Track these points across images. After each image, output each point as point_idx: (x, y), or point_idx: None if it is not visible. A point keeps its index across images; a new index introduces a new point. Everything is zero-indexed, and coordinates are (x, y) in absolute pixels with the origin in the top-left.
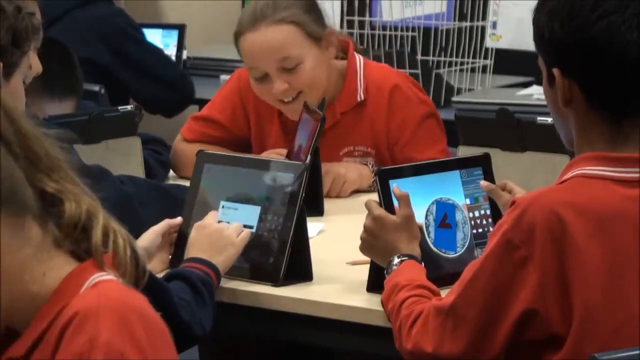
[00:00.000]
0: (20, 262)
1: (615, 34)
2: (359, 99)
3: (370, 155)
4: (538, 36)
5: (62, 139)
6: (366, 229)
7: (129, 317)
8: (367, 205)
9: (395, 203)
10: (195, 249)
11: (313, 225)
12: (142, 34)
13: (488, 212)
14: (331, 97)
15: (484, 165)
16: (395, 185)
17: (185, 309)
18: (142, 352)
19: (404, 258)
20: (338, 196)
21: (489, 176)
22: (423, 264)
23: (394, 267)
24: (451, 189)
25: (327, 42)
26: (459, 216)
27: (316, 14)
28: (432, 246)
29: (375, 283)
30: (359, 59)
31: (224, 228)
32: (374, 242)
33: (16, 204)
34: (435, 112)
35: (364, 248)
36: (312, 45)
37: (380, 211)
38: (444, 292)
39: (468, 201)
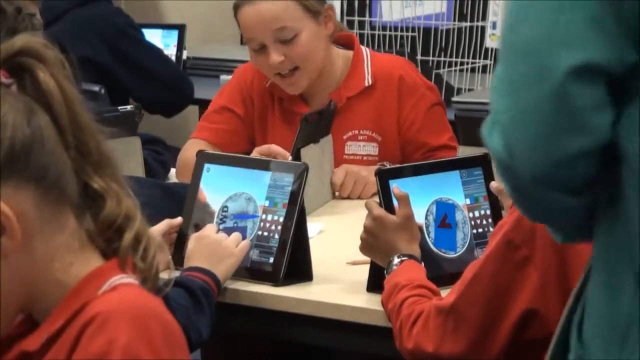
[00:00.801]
0: (52, 248)
1: None
2: (366, 84)
3: (375, 141)
4: None
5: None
6: (366, 229)
7: (148, 322)
8: (367, 206)
9: (396, 203)
10: (194, 259)
11: (313, 225)
12: (142, 34)
13: (488, 212)
14: (337, 82)
15: (484, 165)
16: (395, 186)
17: (181, 313)
18: (159, 357)
19: (404, 258)
20: (359, 198)
21: (488, 176)
22: (423, 263)
23: (394, 267)
24: (451, 189)
25: (325, 17)
26: (459, 216)
27: None
28: (432, 246)
29: (375, 283)
30: (366, 50)
31: (223, 238)
32: (374, 242)
33: (58, 191)
34: (441, 100)
35: (364, 248)
36: (310, 19)
37: (380, 211)
38: (444, 292)
39: (468, 201)
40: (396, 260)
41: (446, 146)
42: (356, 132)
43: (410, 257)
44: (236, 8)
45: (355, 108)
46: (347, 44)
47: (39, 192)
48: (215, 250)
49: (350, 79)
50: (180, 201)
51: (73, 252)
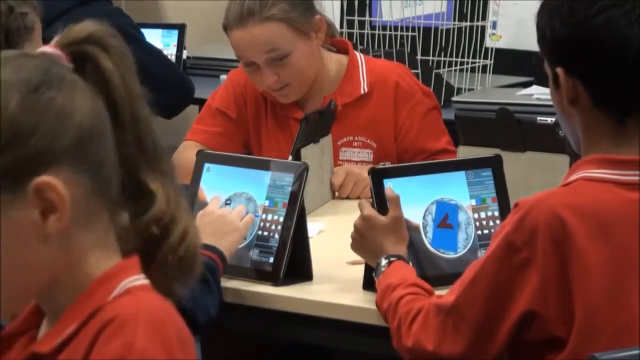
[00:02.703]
0: (86, 242)
1: (615, 28)
2: (362, 92)
3: (370, 147)
4: (541, 36)
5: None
6: (356, 228)
7: (164, 326)
8: (359, 205)
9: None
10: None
11: (313, 225)
12: (141, 34)
13: (496, 213)
14: (331, 86)
15: (495, 166)
16: (389, 186)
17: (186, 297)
18: None
19: (392, 259)
20: (358, 198)
21: (499, 177)
22: (417, 264)
23: (383, 269)
24: (455, 189)
25: (315, 29)
26: (462, 217)
27: (303, 5)
28: (429, 246)
29: (371, 280)
30: (360, 56)
31: (227, 213)
32: (362, 242)
33: (106, 186)
34: (437, 104)
35: (354, 247)
36: (301, 37)
37: (370, 211)
38: (443, 292)
39: (474, 202)
40: (384, 262)
41: (445, 150)
42: (351, 138)
43: (398, 257)
44: (226, 28)
45: (350, 115)
46: (341, 49)
47: (91, 184)
48: (219, 225)
49: (345, 85)
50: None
51: (101, 249)
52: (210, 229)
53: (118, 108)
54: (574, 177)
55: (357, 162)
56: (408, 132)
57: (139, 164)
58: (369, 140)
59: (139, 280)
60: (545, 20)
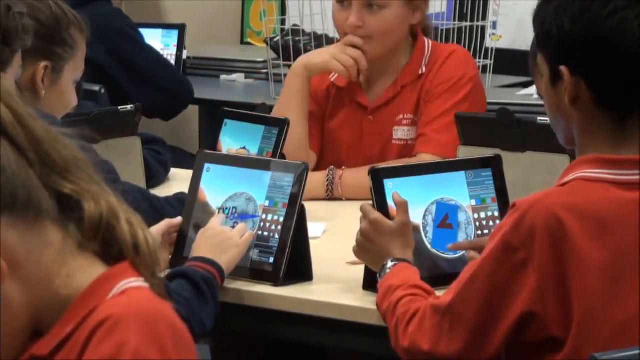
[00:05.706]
0: (44, 267)
1: (628, 29)
2: (420, 72)
3: (415, 124)
4: (544, 33)
5: (81, 136)
6: (363, 233)
7: (158, 326)
8: (363, 209)
9: (390, 202)
10: (198, 250)
11: (318, 225)
12: (140, 35)
13: (496, 213)
14: (398, 71)
15: (494, 166)
16: (396, 192)
17: (183, 306)
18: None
19: (397, 262)
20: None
21: (498, 178)
22: (417, 264)
23: (388, 271)
24: (455, 189)
25: (417, 6)
26: (462, 217)
27: None
28: (429, 246)
29: (371, 280)
30: (428, 41)
31: (227, 230)
32: (369, 246)
33: (33, 210)
34: (467, 98)
35: (359, 251)
36: (406, 4)
37: (377, 215)
38: (442, 293)
39: (474, 202)
40: (390, 264)
41: (426, 137)
42: (401, 117)
43: (404, 261)
44: None
45: (406, 95)
46: (412, 35)
47: (13, 218)
48: (219, 241)
49: (407, 69)
50: (157, 216)
51: (66, 264)
52: (210, 244)
53: (11, 136)
54: (570, 177)
55: (407, 140)
56: (425, 97)
57: (53, 178)
58: (415, 117)
59: (136, 282)
60: (551, 17)
